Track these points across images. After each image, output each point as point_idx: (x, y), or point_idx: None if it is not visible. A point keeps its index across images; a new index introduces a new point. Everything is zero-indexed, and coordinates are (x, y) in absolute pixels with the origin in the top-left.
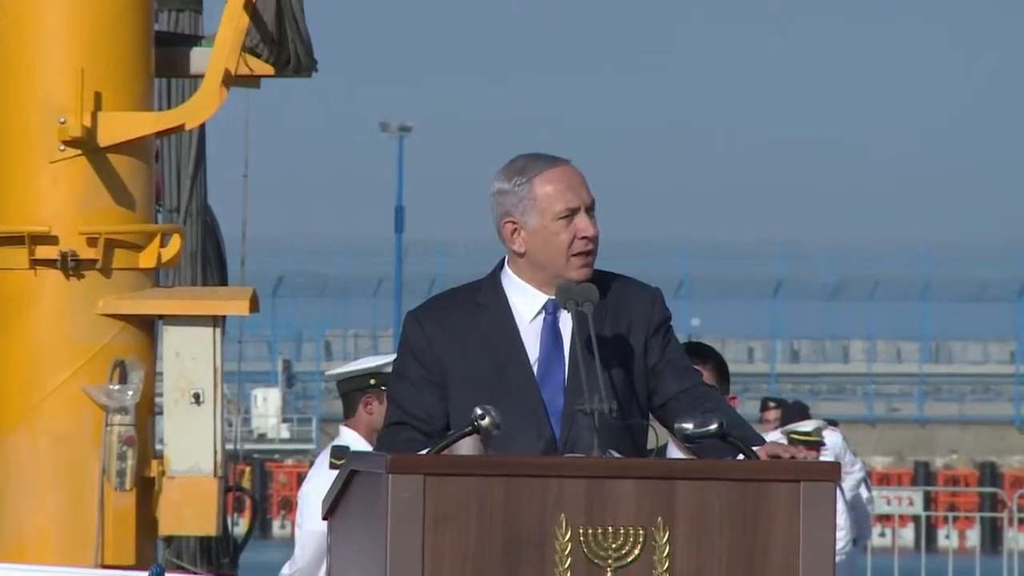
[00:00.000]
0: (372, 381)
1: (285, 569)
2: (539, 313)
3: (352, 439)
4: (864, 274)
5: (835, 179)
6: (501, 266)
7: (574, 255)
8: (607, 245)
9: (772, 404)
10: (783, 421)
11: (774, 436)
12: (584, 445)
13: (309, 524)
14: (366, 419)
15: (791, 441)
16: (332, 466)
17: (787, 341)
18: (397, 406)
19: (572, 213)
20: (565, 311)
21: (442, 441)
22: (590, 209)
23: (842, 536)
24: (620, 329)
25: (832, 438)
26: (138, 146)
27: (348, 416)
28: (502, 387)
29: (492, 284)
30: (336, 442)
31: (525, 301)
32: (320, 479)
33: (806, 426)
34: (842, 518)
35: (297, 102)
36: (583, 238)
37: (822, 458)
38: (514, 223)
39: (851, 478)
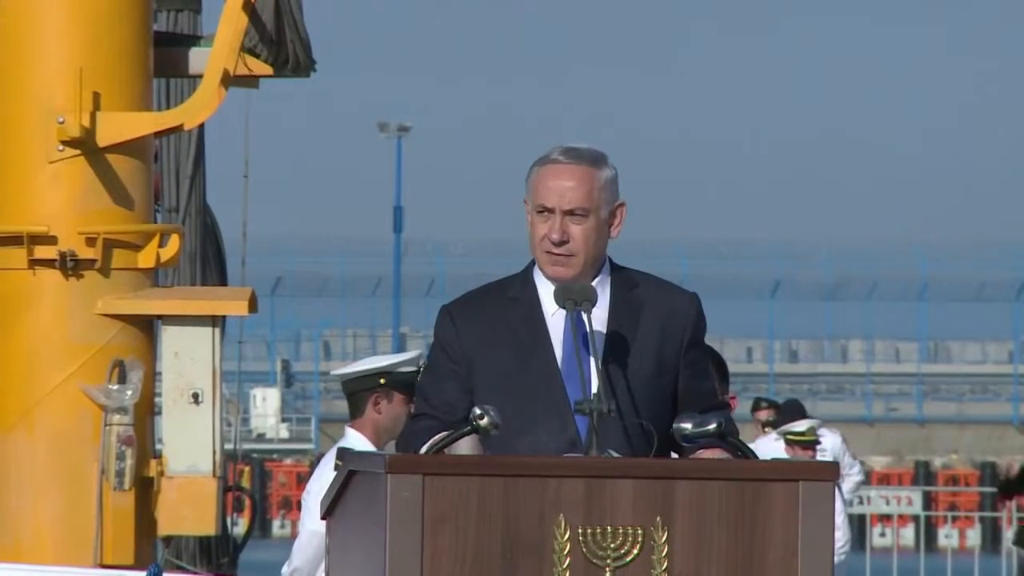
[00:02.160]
0: (382, 380)
1: (284, 568)
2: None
3: (357, 440)
4: (862, 274)
5: (833, 179)
6: (534, 260)
7: (543, 251)
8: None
9: (764, 404)
10: (779, 421)
11: (771, 437)
12: (609, 442)
13: (309, 524)
14: (375, 419)
15: (787, 442)
16: (338, 468)
17: (785, 341)
18: (422, 397)
19: (547, 211)
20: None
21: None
22: (571, 214)
23: (840, 536)
24: (650, 329)
25: (831, 439)
26: (137, 146)
27: (355, 416)
28: (527, 381)
29: (524, 278)
30: (341, 443)
31: (551, 295)
32: (324, 480)
33: (800, 426)
34: (840, 518)
35: (296, 102)
36: (549, 239)
37: (819, 458)
38: (526, 204)
39: (850, 480)
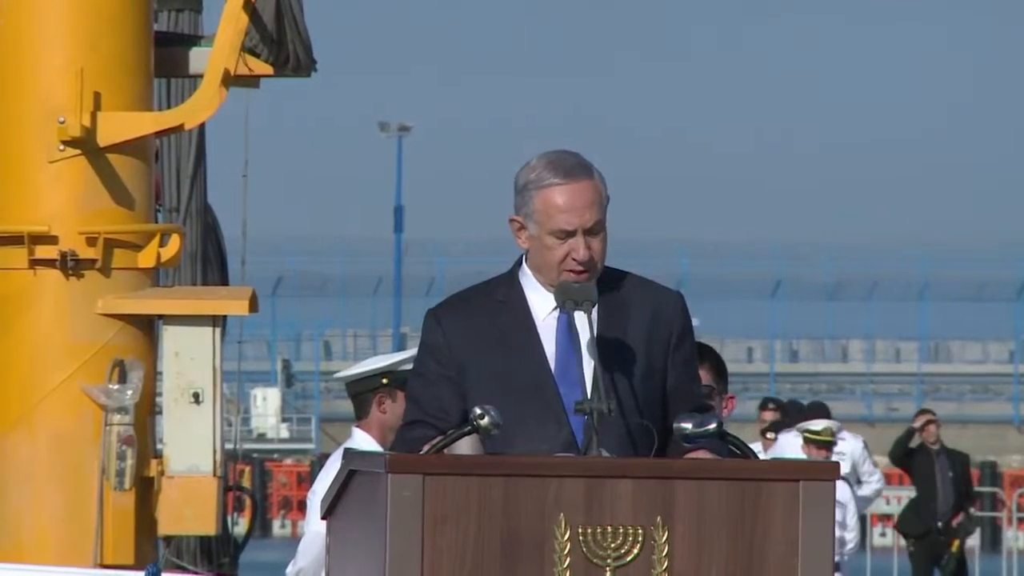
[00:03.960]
0: (384, 380)
1: (289, 568)
2: (554, 309)
3: (364, 441)
4: (863, 274)
5: (834, 179)
6: (520, 263)
7: (565, 271)
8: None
9: (772, 405)
10: (783, 423)
11: (791, 436)
12: (608, 442)
13: (314, 524)
14: (380, 419)
15: (805, 440)
16: None
17: (786, 341)
18: (413, 403)
19: (567, 235)
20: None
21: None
22: (591, 231)
23: (851, 537)
24: (638, 329)
25: (852, 443)
26: (137, 146)
27: (360, 417)
28: (519, 383)
29: (510, 280)
30: (348, 444)
31: (541, 297)
32: (329, 480)
33: (816, 425)
34: (852, 519)
35: (296, 102)
36: (574, 259)
37: (833, 458)
38: (519, 223)
39: (869, 487)
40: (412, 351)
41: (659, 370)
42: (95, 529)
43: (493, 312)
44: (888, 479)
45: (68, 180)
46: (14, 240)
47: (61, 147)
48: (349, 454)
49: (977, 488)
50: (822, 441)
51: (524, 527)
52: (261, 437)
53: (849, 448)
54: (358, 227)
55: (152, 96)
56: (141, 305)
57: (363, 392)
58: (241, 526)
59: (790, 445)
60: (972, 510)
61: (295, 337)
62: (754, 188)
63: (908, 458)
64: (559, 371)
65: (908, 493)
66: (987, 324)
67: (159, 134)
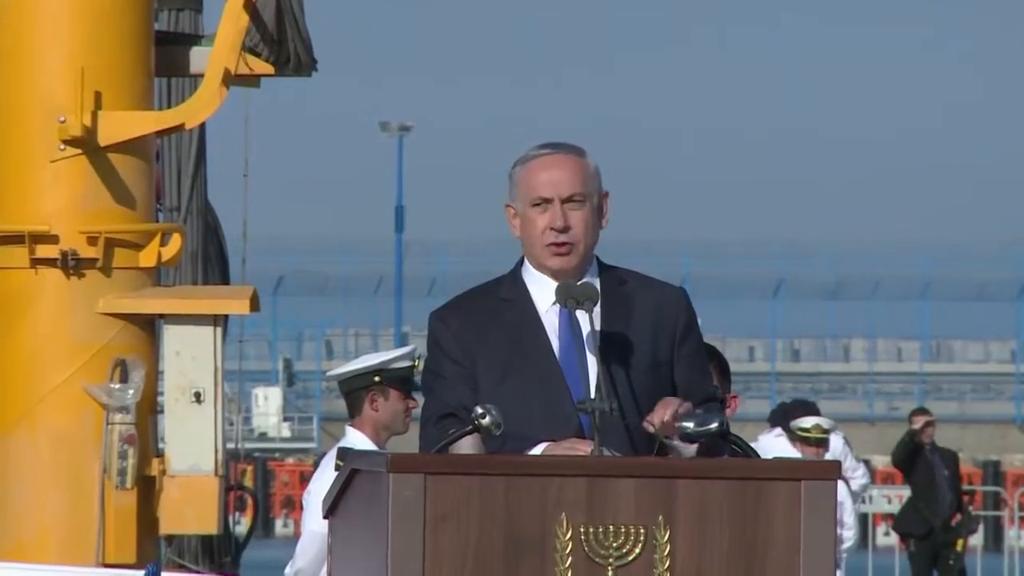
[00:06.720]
0: (376, 378)
1: (288, 569)
2: (554, 303)
3: (357, 439)
4: (865, 273)
5: (836, 178)
6: (522, 260)
7: (546, 245)
8: (608, 244)
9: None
10: (787, 418)
11: (773, 433)
12: (611, 440)
13: (311, 525)
14: (373, 417)
15: (797, 439)
16: (338, 468)
17: (788, 340)
18: (440, 401)
19: (545, 203)
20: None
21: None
22: (569, 201)
23: (849, 535)
24: (642, 325)
25: (833, 441)
26: (138, 145)
27: (353, 416)
28: (528, 377)
29: (513, 277)
30: (342, 443)
31: (543, 291)
32: (325, 480)
33: (806, 423)
34: (851, 518)
35: (297, 101)
36: (552, 229)
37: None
38: (511, 208)
39: (854, 483)
40: (405, 348)
41: (665, 364)
42: (96, 528)
43: (498, 309)
44: (892, 479)
45: (69, 179)
46: (15, 239)
47: (62, 146)
48: (349, 453)
49: (979, 487)
50: (813, 438)
51: (526, 526)
52: (263, 436)
53: (831, 446)
54: (359, 226)
55: (153, 95)
56: (142, 304)
57: (355, 390)
58: (243, 525)
59: (774, 446)
60: (969, 508)
61: (296, 336)
62: (755, 187)
63: (911, 460)
64: (565, 364)
65: (909, 492)
66: (989, 323)
67: (160, 133)
